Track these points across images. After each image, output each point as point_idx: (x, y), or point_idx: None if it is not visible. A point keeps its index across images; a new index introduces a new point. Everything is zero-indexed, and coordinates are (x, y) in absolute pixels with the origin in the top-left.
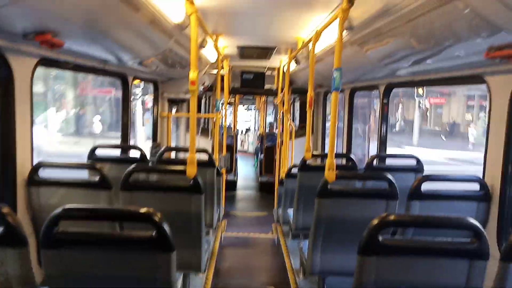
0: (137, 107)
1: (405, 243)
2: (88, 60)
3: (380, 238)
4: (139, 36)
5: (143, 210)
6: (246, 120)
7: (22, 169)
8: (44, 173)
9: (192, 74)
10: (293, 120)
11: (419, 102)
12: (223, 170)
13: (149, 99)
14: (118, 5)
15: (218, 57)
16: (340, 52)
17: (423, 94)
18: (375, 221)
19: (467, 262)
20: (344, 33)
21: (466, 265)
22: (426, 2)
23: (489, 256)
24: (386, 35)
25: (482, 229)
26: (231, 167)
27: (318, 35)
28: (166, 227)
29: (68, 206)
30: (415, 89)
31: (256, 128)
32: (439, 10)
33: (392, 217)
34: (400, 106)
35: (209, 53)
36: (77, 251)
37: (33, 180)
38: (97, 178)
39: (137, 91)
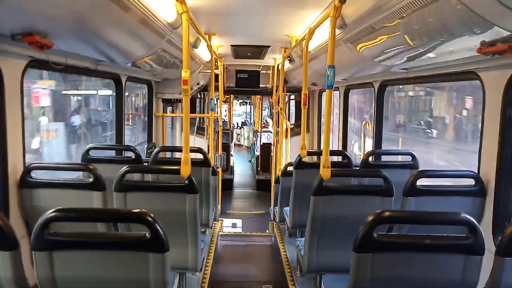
0: None
1: (401, 239)
2: (80, 61)
3: (375, 234)
4: (130, 36)
5: (135, 210)
6: (241, 114)
7: (14, 171)
8: (38, 175)
9: (185, 74)
10: (288, 119)
11: None
12: (219, 170)
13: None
14: (107, 4)
15: (211, 56)
16: (333, 49)
17: None
18: (370, 218)
19: (462, 257)
20: (337, 31)
21: (461, 260)
22: None
23: (484, 251)
24: (379, 32)
25: (477, 225)
26: (227, 166)
27: (311, 33)
28: (159, 227)
29: (58, 208)
30: None
31: (252, 121)
32: (431, 6)
33: (386, 214)
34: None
35: (203, 53)
36: (69, 253)
37: (26, 182)
38: (90, 179)
39: None
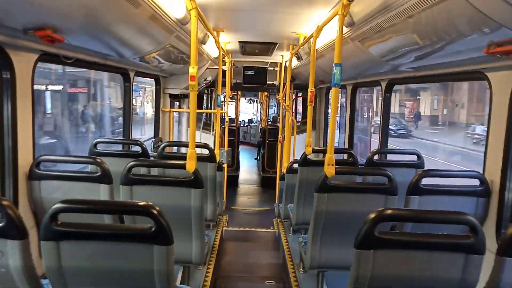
0: None
1: (401, 237)
2: (89, 55)
3: (377, 232)
4: (139, 32)
5: (141, 203)
6: (248, 112)
7: (24, 163)
8: (46, 167)
9: (192, 70)
10: (295, 116)
11: None
12: (225, 165)
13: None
14: (117, 0)
15: (219, 52)
16: (341, 47)
17: None
18: (372, 216)
19: (463, 256)
20: (345, 29)
21: (462, 259)
22: None
23: (485, 251)
24: (387, 31)
25: (478, 224)
26: (233, 162)
27: (319, 31)
28: (164, 220)
29: (66, 199)
30: None
31: (259, 119)
32: (440, 6)
33: (388, 212)
34: None
35: (211, 49)
36: (76, 243)
37: (35, 173)
38: (98, 172)
39: None
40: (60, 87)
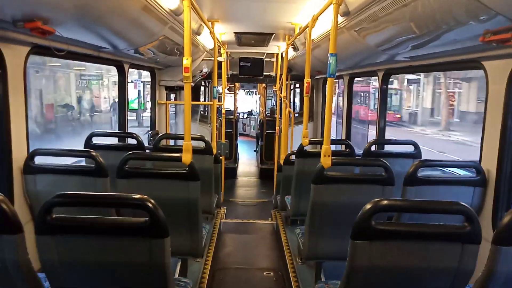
0: None
1: (397, 227)
2: (82, 47)
3: (373, 223)
4: (132, 23)
5: (136, 196)
6: (247, 103)
7: (18, 157)
8: (41, 160)
9: (186, 61)
10: (293, 107)
11: None
12: (222, 158)
13: None
14: None
15: (214, 43)
16: (335, 37)
17: None
18: (368, 206)
19: (459, 245)
20: (341, 18)
21: (458, 248)
22: None
23: (480, 240)
24: (383, 20)
25: (474, 214)
26: (231, 154)
27: (314, 20)
28: (159, 213)
29: (59, 193)
30: None
31: (258, 111)
32: None
33: (384, 202)
34: None
35: (207, 40)
36: (72, 237)
37: (29, 167)
38: (93, 165)
39: None
40: None
